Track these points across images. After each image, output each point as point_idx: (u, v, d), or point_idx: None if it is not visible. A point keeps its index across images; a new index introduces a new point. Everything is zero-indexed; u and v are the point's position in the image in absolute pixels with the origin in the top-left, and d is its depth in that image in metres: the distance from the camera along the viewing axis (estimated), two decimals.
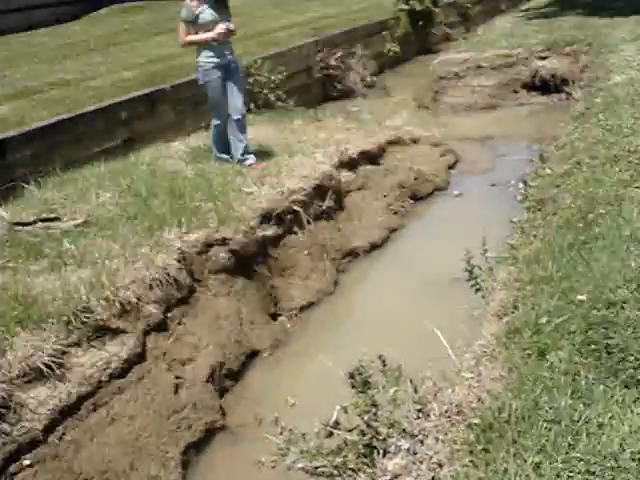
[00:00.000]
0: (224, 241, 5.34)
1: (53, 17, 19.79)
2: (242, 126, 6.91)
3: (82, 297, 4.35)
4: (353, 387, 3.21)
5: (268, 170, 6.58)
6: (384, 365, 3.22)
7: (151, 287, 4.71)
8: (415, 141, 8.90)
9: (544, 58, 11.68)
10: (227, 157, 6.98)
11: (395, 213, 7.26)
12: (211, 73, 6.72)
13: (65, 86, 10.02)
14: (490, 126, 10.74)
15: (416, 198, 7.74)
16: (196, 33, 6.68)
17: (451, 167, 8.71)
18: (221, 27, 6.58)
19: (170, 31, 16.03)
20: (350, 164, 7.41)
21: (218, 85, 6.74)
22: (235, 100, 6.82)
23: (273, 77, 11.04)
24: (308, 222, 6.17)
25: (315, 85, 13.36)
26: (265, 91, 10.90)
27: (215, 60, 6.70)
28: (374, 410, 3.11)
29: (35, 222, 5.38)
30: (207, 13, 6.62)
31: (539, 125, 10.22)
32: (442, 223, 7.21)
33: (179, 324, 4.84)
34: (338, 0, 21.59)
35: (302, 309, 5.69)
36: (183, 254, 5.06)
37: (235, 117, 6.82)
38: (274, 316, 5.55)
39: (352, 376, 3.19)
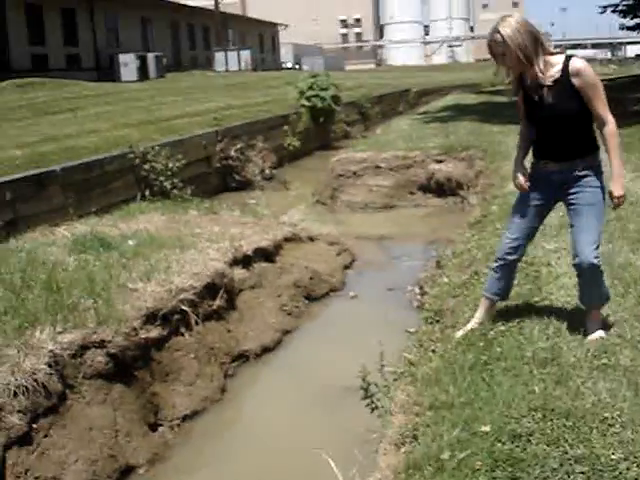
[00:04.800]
0: (102, 343, 4.90)
1: None
2: None
3: None
4: None
5: (156, 265, 6.22)
6: None
7: (16, 394, 4.22)
8: (312, 239, 8.77)
9: (440, 162, 11.95)
10: None
11: (289, 314, 7.00)
12: None
13: None
14: (386, 226, 10.80)
15: (311, 298, 7.53)
16: None
17: (347, 267, 8.59)
18: None
19: (67, 110, 15.72)
20: (244, 261, 7.16)
21: None
22: None
23: (170, 164, 10.82)
24: (196, 323, 5.82)
25: (214, 175, 13.22)
26: (161, 178, 10.67)
27: None
28: None
29: None
30: None
31: (434, 227, 10.34)
32: (337, 326, 7.01)
33: (46, 436, 4.34)
34: (242, 92, 21.88)
35: (185, 419, 5.27)
36: (55, 357, 4.59)
37: None
38: (154, 426, 5.10)
39: None
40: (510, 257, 4.37)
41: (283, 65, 53.93)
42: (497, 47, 3.92)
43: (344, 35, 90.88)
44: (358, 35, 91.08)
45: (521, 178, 4.21)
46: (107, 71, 29.22)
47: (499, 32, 3.88)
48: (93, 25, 30.52)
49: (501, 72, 4.09)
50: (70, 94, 19.72)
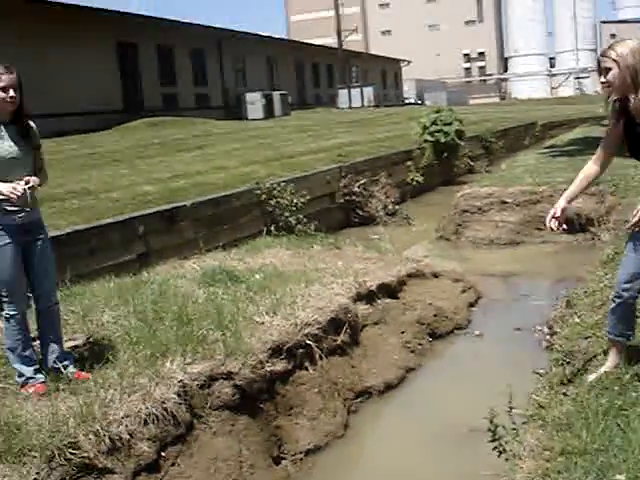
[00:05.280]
0: (230, 375, 4.99)
1: (82, 125, 20.26)
2: (55, 318, 4.84)
3: (70, 430, 4.00)
4: None
5: (282, 299, 6.30)
6: None
7: (146, 422, 4.35)
8: (436, 275, 8.64)
9: None
10: (31, 369, 4.67)
11: (412, 351, 6.91)
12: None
13: (86, 195, 10.00)
14: (513, 263, 10.54)
15: (435, 336, 7.41)
16: None
17: (472, 304, 8.40)
18: (19, 189, 4.32)
19: (196, 148, 16.34)
20: (368, 296, 7.13)
21: (9, 257, 4.50)
22: (42, 281, 4.72)
23: (295, 200, 11.02)
24: (320, 357, 5.84)
25: (337, 210, 13.35)
26: (286, 214, 10.88)
27: (8, 217, 4.47)
28: None
29: (33, 340, 5.08)
30: (1, 148, 4.44)
31: (563, 265, 10.01)
32: (461, 365, 6.85)
33: (173, 465, 4.44)
34: (365, 128, 22.08)
35: (308, 453, 5.27)
36: (184, 387, 4.71)
37: (46, 305, 4.76)
38: (277, 459, 5.13)
39: None
40: (626, 294, 4.15)
41: (406, 100, 54.13)
42: (605, 61, 3.88)
43: (467, 69, 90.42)
44: (481, 69, 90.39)
45: (557, 214, 4.08)
46: (234, 109, 30.22)
47: (613, 48, 3.86)
48: (221, 65, 31.69)
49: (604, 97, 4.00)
50: (199, 132, 20.52)
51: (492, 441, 4.06)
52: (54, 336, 4.81)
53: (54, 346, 4.79)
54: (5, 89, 4.36)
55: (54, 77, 20.61)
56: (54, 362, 4.74)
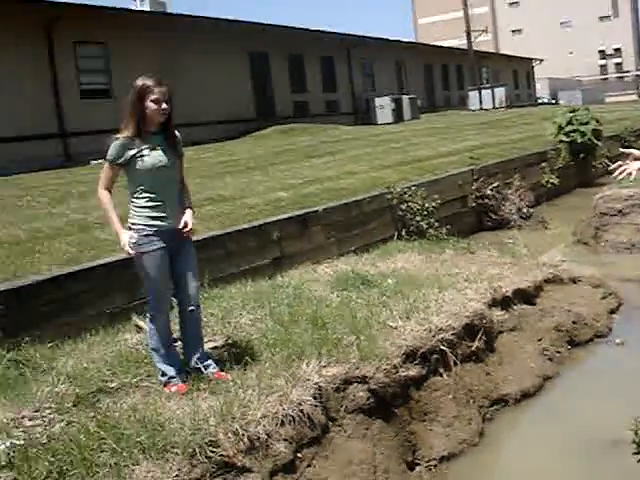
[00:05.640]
0: (364, 379, 5.01)
1: (218, 134, 20.97)
2: (197, 320, 5.03)
3: (210, 428, 4.13)
4: None
5: (415, 304, 6.26)
6: None
7: (283, 423, 4.43)
8: (574, 281, 8.34)
9: None
10: (174, 369, 4.87)
11: (550, 359, 6.70)
12: (149, 241, 4.70)
13: (222, 202, 10.30)
14: None
15: (574, 344, 7.15)
16: (131, 184, 4.74)
17: (613, 311, 8.05)
18: (127, 250, 4.65)
19: (327, 154, 16.52)
20: (503, 302, 6.98)
21: (160, 262, 4.73)
22: (187, 285, 4.89)
23: (427, 204, 10.94)
24: (455, 364, 5.76)
25: (469, 214, 13.15)
26: (417, 218, 10.81)
27: (157, 223, 4.71)
28: None
29: (175, 341, 5.29)
30: (151, 156, 4.66)
31: None
32: (602, 375, 6.58)
33: (309, 466, 4.50)
34: (497, 130, 21.64)
35: (442, 460, 5.20)
36: (320, 390, 4.77)
37: (188, 308, 4.94)
38: (411, 465, 5.10)
39: None
40: None
41: (539, 100, 52.63)
42: None
43: (602, 66, 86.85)
44: (618, 65, 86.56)
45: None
46: (364, 115, 30.38)
47: None
48: (350, 71, 31.95)
49: None
50: (329, 138, 20.75)
51: (636, 453, 3.90)
52: (196, 337, 5.01)
53: (196, 347, 4.98)
54: (158, 101, 4.59)
55: (190, 88, 21.42)
56: (196, 362, 4.92)
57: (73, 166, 16.55)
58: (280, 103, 27.00)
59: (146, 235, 4.67)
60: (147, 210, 4.67)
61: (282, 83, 27.34)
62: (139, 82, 4.63)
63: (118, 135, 4.67)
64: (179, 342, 5.15)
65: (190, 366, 4.94)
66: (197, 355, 4.96)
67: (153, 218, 4.68)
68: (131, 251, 4.65)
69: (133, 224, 4.69)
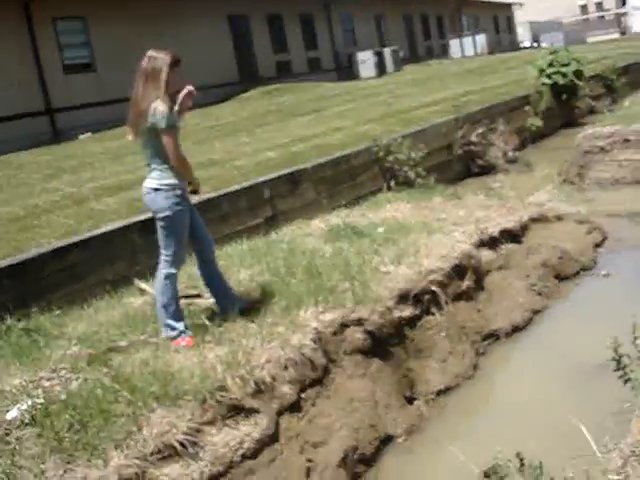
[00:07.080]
0: (360, 322, 5.28)
1: (202, 99, 20.92)
2: (218, 267, 5.51)
3: (218, 375, 4.39)
4: None
5: (405, 249, 6.51)
6: (522, 465, 2.99)
7: (286, 367, 4.70)
8: (559, 218, 8.59)
9: None
10: (182, 324, 5.11)
11: (538, 294, 6.97)
12: (182, 201, 5.02)
13: (212, 166, 10.46)
14: (639, 202, 10.24)
15: (560, 278, 7.41)
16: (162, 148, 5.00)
17: (598, 245, 8.31)
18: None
19: (312, 111, 16.63)
20: (491, 243, 7.23)
21: (187, 221, 5.09)
22: (206, 236, 5.33)
23: (413, 154, 11.12)
24: (446, 303, 6.03)
25: (456, 162, 13.33)
26: (405, 168, 11.00)
27: (184, 183, 5.08)
28: None
29: (179, 298, 5.53)
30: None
31: None
32: (588, 305, 6.86)
33: (313, 405, 4.78)
34: (479, 77, 21.69)
35: (439, 393, 5.49)
36: (319, 334, 5.03)
37: (212, 255, 5.40)
38: (409, 400, 5.39)
39: (487, 475, 3.00)
40: None
41: (521, 45, 52.36)
42: None
43: (583, 6, 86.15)
44: (598, 5, 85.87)
45: None
46: (346, 70, 30.30)
47: None
48: (331, 28, 31.75)
49: None
50: (314, 95, 20.79)
51: (616, 370, 4.12)
52: (224, 281, 5.46)
53: (227, 289, 5.44)
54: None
55: None
56: (231, 303, 5.32)
57: (62, 141, 16.64)
58: (262, 64, 26.89)
59: (182, 194, 4.99)
60: (176, 172, 4.95)
61: (263, 44, 27.20)
62: (170, 53, 4.90)
63: (159, 102, 4.82)
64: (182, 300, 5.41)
65: (233, 310, 5.25)
66: (230, 297, 5.40)
67: (182, 179, 5.01)
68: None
69: (171, 184, 4.94)
